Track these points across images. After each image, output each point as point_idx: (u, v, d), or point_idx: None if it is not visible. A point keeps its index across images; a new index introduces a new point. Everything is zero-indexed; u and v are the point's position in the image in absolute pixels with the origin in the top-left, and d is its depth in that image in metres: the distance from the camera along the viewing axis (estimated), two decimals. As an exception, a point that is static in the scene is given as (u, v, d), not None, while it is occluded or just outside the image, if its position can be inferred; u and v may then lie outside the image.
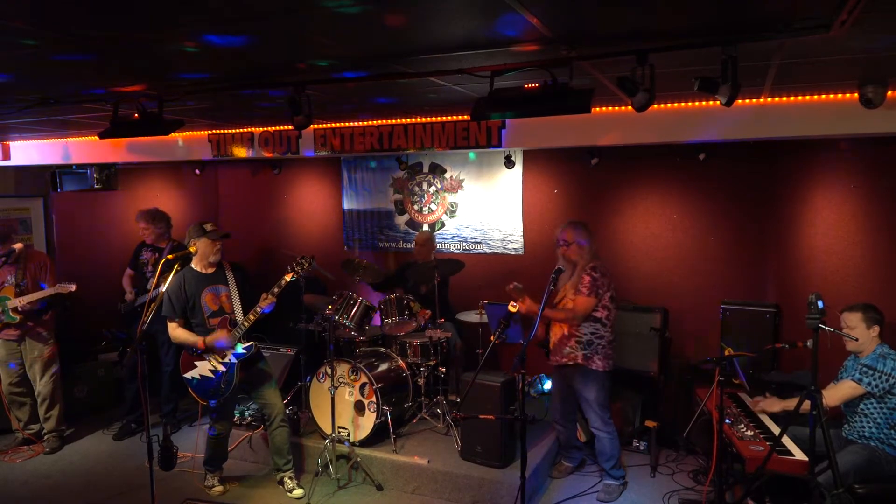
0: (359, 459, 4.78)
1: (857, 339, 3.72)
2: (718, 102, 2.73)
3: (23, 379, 5.47)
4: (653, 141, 4.45)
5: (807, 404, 3.35)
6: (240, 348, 4.38)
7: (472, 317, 5.66)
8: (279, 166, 7.43)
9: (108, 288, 6.24)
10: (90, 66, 3.10)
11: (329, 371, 4.85)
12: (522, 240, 6.55)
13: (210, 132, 5.72)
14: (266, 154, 5.60)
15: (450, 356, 5.73)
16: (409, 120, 5.01)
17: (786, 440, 3.75)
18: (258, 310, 4.32)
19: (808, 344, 3.37)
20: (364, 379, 4.90)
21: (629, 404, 5.35)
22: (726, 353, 3.89)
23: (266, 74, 3.34)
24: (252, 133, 5.59)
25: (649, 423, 4.98)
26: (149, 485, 3.86)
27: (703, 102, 4.08)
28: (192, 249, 4.39)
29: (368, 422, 4.89)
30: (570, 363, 4.43)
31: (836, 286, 4.42)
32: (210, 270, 4.47)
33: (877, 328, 3.76)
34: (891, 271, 4.15)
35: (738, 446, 3.79)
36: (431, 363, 5.32)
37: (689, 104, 4.15)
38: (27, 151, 6.41)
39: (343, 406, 4.98)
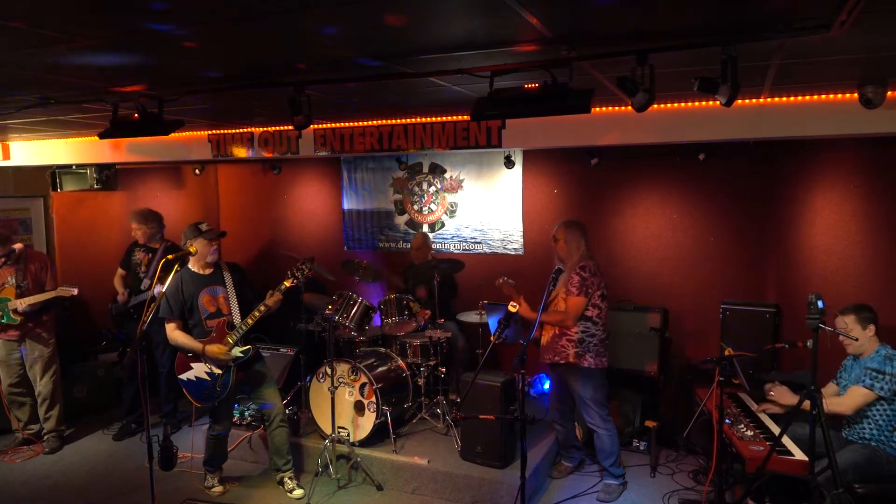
0: (359, 459, 4.78)
1: (856, 339, 3.71)
2: (718, 102, 2.72)
3: (23, 379, 5.47)
4: (653, 141, 4.44)
5: (807, 404, 3.35)
6: (237, 352, 4.36)
7: (472, 317, 5.67)
8: (279, 166, 7.43)
9: (108, 288, 6.22)
10: (91, 65, 3.10)
11: (329, 371, 4.85)
12: (522, 240, 6.55)
13: (210, 132, 5.72)
14: (266, 154, 5.60)
15: (451, 356, 5.73)
16: (409, 120, 5.01)
17: (786, 440, 3.75)
18: (262, 308, 4.31)
19: (808, 344, 3.36)
20: (364, 379, 4.90)
21: (629, 404, 5.35)
22: (726, 353, 3.88)
23: (266, 74, 3.34)
24: (252, 133, 5.59)
25: (649, 423, 4.98)
26: (149, 485, 3.86)
27: (703, 102, 4.07)
28: (192, 249, 4.38)
29: (368, 422, 4.89)
30: (562, 361, 4.44)
31: (836, 286, 4.42)
32: (207, 271, 4.46)
33: (872, 327, 3.75)
34: (891, 271, 4.15)
35: (738, 446, 3.79)
36: (431, 363, 5.32)
37: (689, 104, 4.15)
38: (27, 151, 6.41)
39: (343, 406, 4.98)
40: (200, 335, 4.36)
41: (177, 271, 4.25)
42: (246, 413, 5.38)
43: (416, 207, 7.04)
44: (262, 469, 5.07)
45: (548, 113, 3.45)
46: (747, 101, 3.96)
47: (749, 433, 3.93)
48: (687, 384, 5.34)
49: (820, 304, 3.24)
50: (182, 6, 2.19)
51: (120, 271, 5.87)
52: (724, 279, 5.70)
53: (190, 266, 4.45)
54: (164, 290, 4.21)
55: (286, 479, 4.67)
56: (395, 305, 5.41)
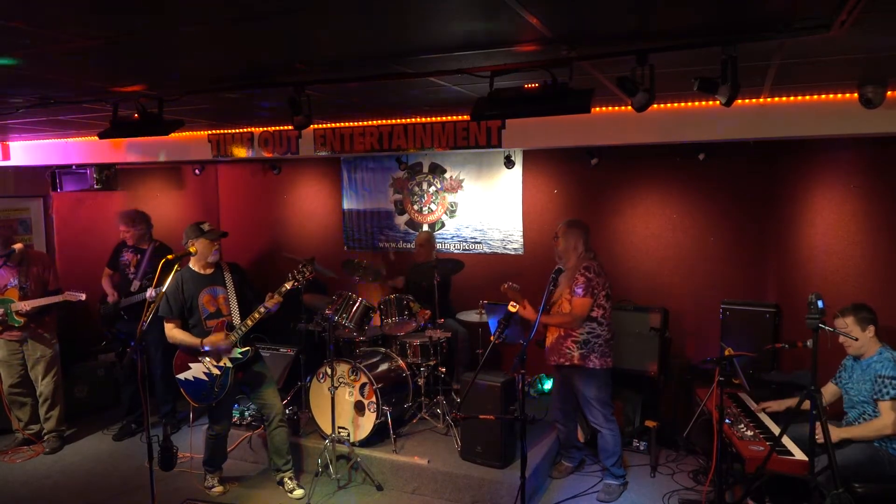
0: (359, 459, 4.78)
1: (856, 339, 3.70)
2: (718, 102, 2.72)
3: (24, 379, 5.47)
4: (653, 141, 4.44)
5: (806, 404, 3.34)
6: (237, 352, 4.36)
7: (472, 317, 5.67)
8: (279, 166, 7.42)
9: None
10: (90, 66, 3.10)
11: (329, 371, 4.85)
12: (522, 240, 6.55)
13: (210, 132, 5.72)
14: (266, 154, 5.60)
15: (452, 352, 5.74)
16: (409, 120, 5.01)
17: (786, 440, 3.75)
18: (262, 310, 4.31)
19: (808, 344, 3.36)
20: (364, 379, 4.90)
21: (629, 404, 5.35)
22: (726, 353, 3.88)
23: (266, 74, 3.34)
24: (252, 133, 5.59)
25: (649, 423, 4.98)
26: (149, 485, 3.86)
27: (703, 102, 4.07)
28: (192, 250, 4.38)
29: (368, 422, 4.89)
30: (567, 363, 4.44)
31: (836, 286, 4.42)
32: (208, 271, 4.45)
33: (872, 328, 3.72)
34: (891, 271, 4.15)
35: (738, 446, 3.80)
36: (431, 363, 5.32)
37: (689, 104, 4.15)
38: (27, 151, 6.41)
39: (343, 406, 4.98)
40: (200, 335, 4.35)
41: (177, 271, 4.25)
42: (246, 413, 5.39)
43: (416, 207, 7.04)
44: (262, 469, 5.07)
45: (548, 113, 3.45)
46: (747, 101, 3.96)
47: (749, 433, 3.93)
48: (687, 384, 5.35)
49: (820, 304, 3.23)
50: (182, 6, 2.19)
51: (107, 271, 5.83)
52: (724, 279, 5.70)
53: (191, 265, 4.44)
54: (163, 290, 4.20)
55: (286, 479, 4.67)
56: (395, 305, 5.41)
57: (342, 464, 4.83)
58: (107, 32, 2.52)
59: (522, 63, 2.96)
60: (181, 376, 4.42)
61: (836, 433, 3.68)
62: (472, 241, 6.79)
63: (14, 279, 5.25)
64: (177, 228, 7.04)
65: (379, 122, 5.09)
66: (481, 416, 4.43)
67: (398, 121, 5.04)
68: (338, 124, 5.24)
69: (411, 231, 7.06)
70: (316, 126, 5.29)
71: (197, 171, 7.46)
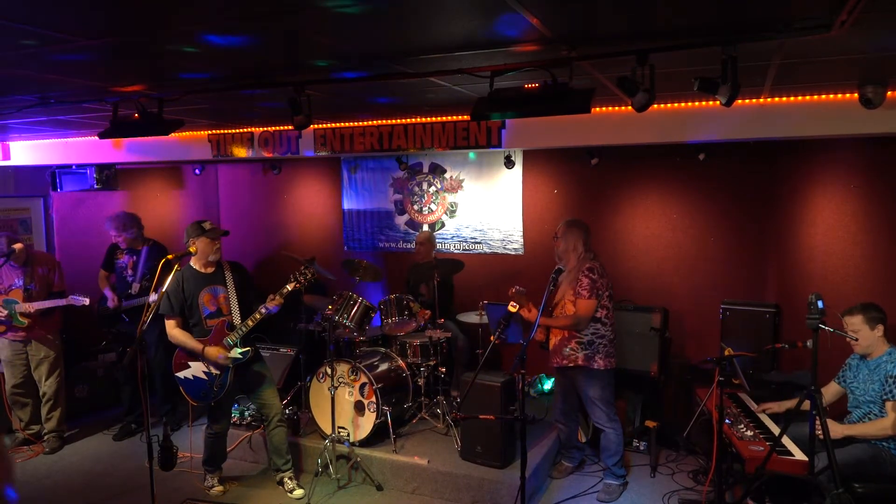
0: (359, 459, 4.78)
1: (856, 339, 3.70)
2: (718, 102, 2.73)
3: (27, 379, 5.48)
4: (653, 141, 4.45)
5: (806, 404, 3.34)
6: (237, 353, 4.36)
7: (472, 317, 5.66)
8: (279, 166, 7.43)
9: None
10: (90, 66, 3.10)
11: (329, 371, 4.85)
12: (522, 240, 6.55)
13: (210, 132, 5.72)
14: (266, 154, 5.60)
15: (451, 355, 5.73)
16: (409, 120, 5.01)
17: (786, 440, 3.75)
18: (262, 311, 4.31)
19: (808, 344, 3.35)
20: (364, 379, 4.90)
21: (629, 404, 5.36)
22: (726, 353, 3.88)
23: (266, 74, 3.34)
24: (252, 133, 5.59)
25: (649, 423, 4.98)
26: (149, 485, 3.86)
27: (703, 102, 4.08)
28: (192, 249, 4.37)
29: (368, 422, 4.89)
30: (572, 365, 4.43)
31: (836, 286, 4.42)
32: (209, 270, 4.45)
33: (881, 327, 3.69)
34: (891, 271, 4.15)
35: (737, 446, 3.80)
36: (431, 363, 5.32)
37: (689, 104, 4.15)
38: (27, 151, 6.41)
39: (343, 406, 4.98)
40: (200, 334, 4.36)
41: (176, 271, 4.24)
42: (246, 413, 5.39)
43: (416, 207, 7.04)
44: (262, 469, 5.07)
45: (548, 113, 3.46)
46: (747, 101, 3.97)
47: (749, 433, 3.93)
48: (687, 384, 5.35)
49: (820, 304, 3.23)
50: (182, 6, 2.19)
51: (103, 273, 5.81)
52: (724, 279, 5.70)
53: (192, 264, 4.44)
54: (163, 290, 4.20)
55: (286, 479, 4.67)
56: (395, 305, 5.41)
57: (342, 464, 4.83)
58: (108, 32, 2.52)
59: (522, 63, 2.96)
60: (180, 375, 4.42)
61: (839, 429, 3.67)
62: (472, 241, 6.79)
63: (19, 280, 5.26)
64: (177, 228, 7.07)
65: (379, 122, 5.09)
66: (481, 416, 4.43)
67: (398, 121, 5.04)
68: (338, 124, 5.25)
69: (411, 231, 7.06)
70: (316, 126, 5.29)
71: (197, 171, 7.45)
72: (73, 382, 6.15)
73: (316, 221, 7.65)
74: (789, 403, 4.19)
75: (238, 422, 5.33)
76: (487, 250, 6.72)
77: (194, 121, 5.13)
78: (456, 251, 6.82)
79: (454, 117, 4.86)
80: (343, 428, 4.92)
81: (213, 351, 4.30)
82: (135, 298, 5.59)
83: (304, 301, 5.78)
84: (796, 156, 5.11)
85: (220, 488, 4.71)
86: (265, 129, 5.53)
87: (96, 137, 4.22)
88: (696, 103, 4.12)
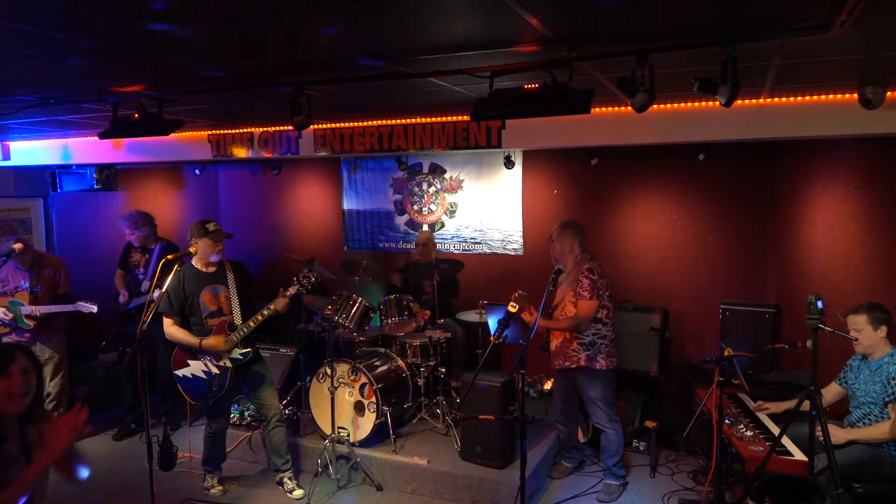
0: (358, 460, 4.78)
1: (857, 339, 3.69)
2: (718, 102, 2.73)
3: None
4: (653, 141, 4.45)
5: (806, 404, 3.34)
6: (238, 353, 4.36)
7: (472, 317, 5.66)
8: (279, 166, 7.43)
9: (108, 288, 6.23)
10: (90, 66, 3.10)
11: (329, 371, 4.85)
12: (522, 240, 6.55)
13: (210, 132, 5.72)
14: (266, 154, 5.60)
15: (451, 353, 5.73)
16: (409, 120, 5.01)
17: (785, 440, 3.75)
18: (264, 313, 4.31)
19: (808, 344, 3.34)
20: (364, 379, 4.90)
21: (629, 404, 5.35)
22: (726, 353, 3.88)
23: (266, 74, 3.34)
24: (252, 133, 5.59)
25: (649, 424, 4.98)
26: (149, 485, 3.86)
27: (703, 102, 4.08)
28: (192, 250, 4.38)
29: (368, 422, 4.89)
30: (574, 366, 4.42)
31: (836, 286, 4.42)
32: (210, 269, 4.45)
33: (884, 328, 3.67)
34: (891, 271, 4.15)
35: (737, 446, 3.80)
36: (431, 363, 5.32)
37: (689, 104, 4.15)
38: (27, 151, 6.41)
39: (343, 406, 4.98)
40: (200, 333, 4.35)
41: (177, 271, 4.24)
42: (246, 413, 5.39)
43: (415, 208, 7.04)
44: (262, 469, 5.07)
45: (548, 113, 3.45)
46: (747, 101, 3.97)
47: (749, 433, 3.93)
48: (687, 384, 5.35)
49: (820, 304, 3.23)
50: (182, 6, 2.19)
51: (119, 272, 5.87)
52: (724, 279, 5.70)
53: (193, 263, 4.45)
54: (163, 290, 4.21)
55: (286, 479, 4.67)
56: (395, 305, 5.41)
57: (342, 464, 4.83)
58: (107, 32, 2.52)
59: (522, 63, 2.96)
60: (179, 373, 4.42)
61: (842, 434, 3.66)
62: (472, 241, 6.79)
63: (25, 282, 5.26)
64: (177, 228, 7.07)
65: (379, 122, 5.09)
66: (481, 417, 4.43)
67: (398, 121, 5.04)
68: (338, 124, 5.25)
69: (411, 231, 7.06)
70: (316, 126, 5.29)
71: (197, 172, 7.45)
72: (74, 382, 6.13)
73: (316, 222, 7.65)
74: (787, 404, 4.19)
75: (238, 422, 5.33)
76: (487, 250, 6.72)
77: (194, 121, 5.13)
78: (456, 251, 6.82)
79: (454, 117, 4.86)
80: (343, 428, 4.92)
81: (212, 340, 4.29)
82: (143, 296, 5.60)
83: (304, 301, 5.78)
84: (796, 156, 5.11)
85: (220, 488, 4.71)
86: (265, 129, 5.52)
87: (96, 137, 4.22)
88: (696, 103, 4.12)
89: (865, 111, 3.50)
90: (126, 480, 4.95)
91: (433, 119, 4.93)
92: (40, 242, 6.65)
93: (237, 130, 5.62)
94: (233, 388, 4.47)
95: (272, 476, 4.79)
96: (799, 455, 3.64)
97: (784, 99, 3.92)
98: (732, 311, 5.25)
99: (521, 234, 6.54)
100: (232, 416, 5.37)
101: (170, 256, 4.13)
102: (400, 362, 5.31)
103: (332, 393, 4.78)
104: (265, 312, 4.32)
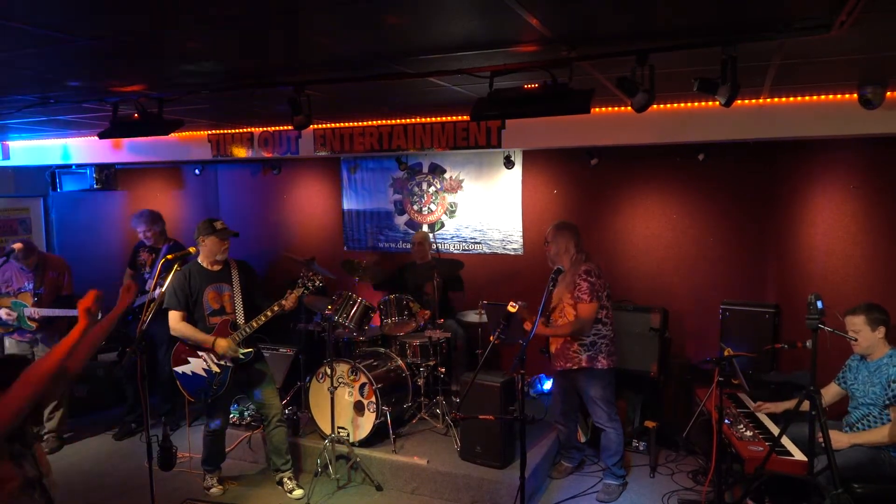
0: (358, 460, 4.78)
1: (856, 340, 3.69)
2: (718, 102, 2.73)
3: None
4: (653, 141, 4.45)
5: (806, 404, 3.34)
6: (240, 352, 4.36)
7: (472, 317, 5.66)
8: (279, 166, 7.43)
9: (108, 288, 6.22)
10: (90, 66, 3.10)
11: (328, 371, 4.85)
12: (522, 240, 6.55)
13: (210, 132, 5.72)
14: (266, 154, 5.60)
15: (451, 354, 5.73)
16: (408, 120, 5.01)
17: (785, 440, 3.75)
18: (268, 314, 4.32)
19: (808, 344, 3.34)
20: (363, 379, 4.90)
21: (629, 404, 5.35)
22: (726, 353, 3.88)
23: (266, 74, 3.34)
24: (252, 133, 5.59)
25: (649, 424, 4.98)
26: (148, 485, 3.86)
27: (703, 102, 4.08)
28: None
29: (368, 422, 4.89)
30: (575, 367, 4.41)
31: (836, 286, 4.42)
32: (216, 268, 4.46)
33: (882, 329, 3.67)
34: (891, 271, 4.15)
35: (737, 446, 3.80)
36: (431, 363, 5.32)
37: (689, 104, 4.16)
38: (27, 151, 6.41)
39: (342, 406, 4.98)
40: (203, 331, 4.36)
41: (177, 271, 4.25)
42: (245, 413, 5.39)
43: (415, 207, 7.04)
44: (262, 469, 5.07)
45: (548, 113, 3.46)
46: (747, 101, 3.97)
47: (748, 433, 3.93)
48: (687, 384, 5.34)
49: (819, 304, 3.23)
50: (182, 6, 2.19)
51: (129, 272, 5.88)
52: (724, 279, 5.70)
53: (199, 261, 4.46)
54: (163, 289, 4.21)
55: (286, 479, 4.67)
56: (395, 305, 5.41)
57: (342, 464, 4.83)
58: (107, 32, 2.52)
59: (522, 63, 2.96)
60: (178, 369, 4.42)
61: (845, 439, 3.65)
62: (472, 241, 6.79)
63: (29, 283, 5.27)
64: (177, 228, 7.05)
65: (379, 122, 5.09)
66: (481, 417, 4.43)
67: (398, 121, 5.04)
68: (338, 124, 5.25)
69: (411, 231, 7.06)
70: (316, 126, 5.29)
71: (197, 171, 7.46)
72: (73, 382, 6.14)
73: (316, 221, 7.65)
74: (787, 404, 4.18)
75: (238, 422, 5.33)
76: (487, 250, 6.72)
77: (194, 121, 5.13)
78: (456, 251, 6.82)
79: (454, 117, 4.86)
80: (343, 428, 4.92)
81: (223, 343, 4.29)
82: (147, 295, 5.61)
83: (304, 301, 5.77)
84: (796, 156, 5.11)
85: (220, 488, 4.71)
86: (265, 129, 5.53)
87: (96, 137, 4.22)
88: (696, 103, 4.12)
89: (865, 111, 3.51)
90: (126, 480, 4.95)
91: (433, 119, 4.93)
92: (40, 242, 6.66)
93: (237, 130, 5.62)
94: (233, 387, 4.47)
95: (272, 476, 4.79)
96: (799, 455, 3.64)
97: (784, 99, 3.92)
98: (732, 311, 5.25)
99: (521, 234, 6.54)
100: (232, 415, 5.37)
101: (170, 256, 4.15)
102: (400, 362, 5.31)
103: (332, 393, 4.78)
104: (268, 313, 4.32)
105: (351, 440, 4.91)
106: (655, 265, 5.97)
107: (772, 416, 4.24)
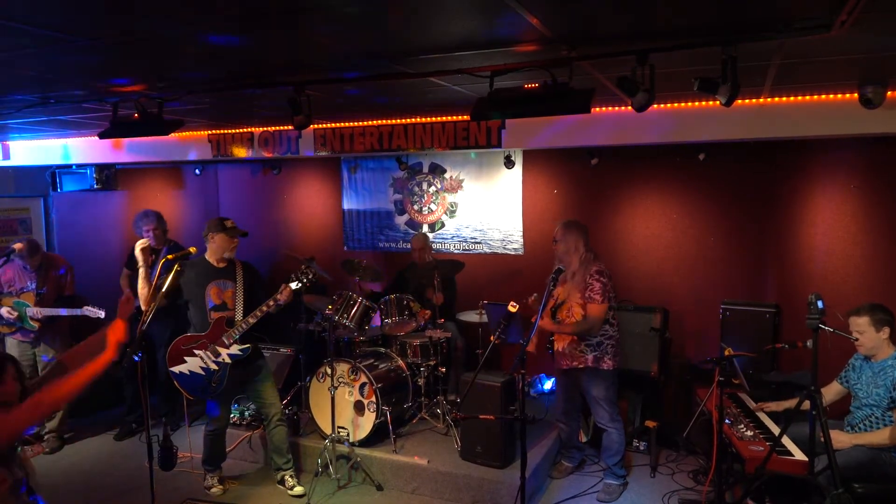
0: (359, 459, 4.78)
1: (857, 340, 3.68)
2: (718, 102, 2.73)
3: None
4: (653, 141, 4.45)
5: (806, 404, 3.34)
6: (237, 349, 4.37)
7: (472, 317, 5.66)
8: (279, 166, 7.43)
9: (108, 288, 6.23)
10: (90, 66, 3.10)
11: (329, 371, 4.85)
12: (522, 240, 6.55)
13: (210, 132, 5.72)
14: (266, 154, 5.60)
15: (450, 356, 5.73)
16: (409, 120, 5.01)
17: (785, 440, 3.75)
18: (263, 309, 4.32)
19: (808, 344, 3.34)
20: (364, 379, 4.90)
21: (629, 404, 5.35)
22: (726, 353, 3.88)
23: (266, 74, 3.34)
24: (252, 133, 5.59)
25: (649, 423, 4.98)
26: (149, 485, 3.85)
27: (703, 102, 4.08)
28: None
29: (368, 422, 4.89)
30: (581, 366, 4.41)
31: (836, 286, 4.42)
32: (221, 265, 4.49)
33: (887, 329, 3.65)
34: (891, 271, 4.15)
35: (737, 446, 3.79)
36: (431, 363, 5.32)
37: (689, 104, 4.15)
38: (27, 151, 6.41)
39: (343, 406, 4.98)
40: (202, 326, 4.39)
41: (177, 270, 4.26)
42: (246, 413, 5.39)
43: (416, 207, 7.04)
44: (262, 469, 5.07)
45: (548, 113, 3.46)
46: (747, 101, 3.97)
47: (749, 433, 3.93)
48: (687, 384, 5.35)
49: (820, 304, 3.23)
50: (182, 6, 2.19)
51: (125, 272, 5.85)
52: (724, 279, 5.70)
53: (206, 257, 4.49)
54: (163, 290, 4.21)
55: (287, 476, 4.67)
56: (396, 305, 5.41)
57: (342, 464, 4.83)
58: (107, 32, 2.52)
59: (522, 63, 2.96)
60: (175, 369, 4.42)
61: (846, 439, 3.65)
62: (472, 241, 6.79)
63: (32, 283, 5.28)
64: (177, 228, 7.05)
65: (379, 122, 5.09)
66: (481, 416, 4.43)
67: (398, 121, 5.04)
68: (338, 124, 5.25)
69: (411, 231, 7.05)
70: (316, 126, 5.29)
71: (197, 171, 7.46)
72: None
73: (316, 221, 7.65)
74: (788, 403, 4.18)
75: (238, 422, 5.33)
76: (487, 250, 6.72)
77: (194, 121, 5.13)
78: (456, 251, 6.82)
79: (454, 117, 4.86)
80: (343, 428, 4.92)
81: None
82: None
83: (304, 301, 5.78)
84: (796, 156, 5.11)
85: (220, 488, 4.71)
86: (265, 129, 5.53)
87: (96, 137, 4.22)
88: (696, 103, 4.12)
89: (865, 111, 3.51)
90: (126, 480, 4.95)
91: (433, 119, 4.93)
92: (40, 242, 6.65)
93: (237, 130, 5.62)
94: (232, 384, 4.48)
95: (272, 475, 4.79)
96: (799, 455, 3.64)
97: (784, 99, 3.92)
98: (732, 310, 5.25)
99: (522, 233, 6.54)
100: (232, 415, 5.37)
101: (170, 256, 4.14)
102: (400, 362, 5.31)
103: (332, 393, 4.78)
104: (264, 308, 4.34)
105: (351, 440, 4.91)
106: (655, 265, 5.97)
107: (772, 415, 4.23)
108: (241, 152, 5.66)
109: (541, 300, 4.01)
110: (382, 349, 5.50)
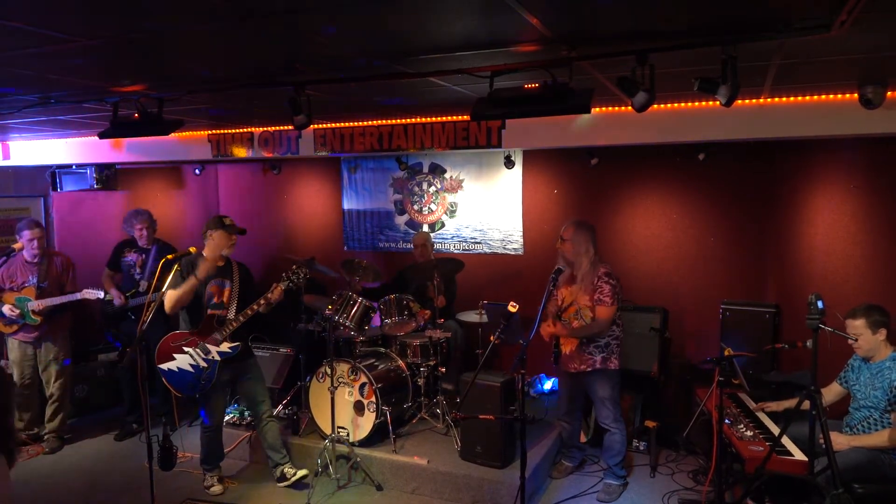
0: (358, 459, 4.78)
1: (855, 340, 3.69)
2: (718, 102, 2.73)
3: (33, 381, 5.49)
4: (653, 141, 4.44)
5: (806, 404, 3.34)
6: (226, 347, 4.39)
7: (472, 317, 5.66)
8: (279, 166, 7.43)
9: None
10: (90, 66, 3.10)
11: (329, 371, 4.85)
12: (522, 240, 6.55)
13: (210, 132, 5.72)
14: (266, 154, 5.60)
15: (450, 354, 5.73)
16: (409, 120, 5.00)
17: (785, 440, 3.75)
18: (254, 308, 4.33)
19: (808, 344, 3.34)
20: (364, 379, 4.90)
21: (629, 404, 5.35)
22: (726, 353, 3.88)
23: (266, 74, 3.34)
24: (252, 133, 5.59)
25: (649, 423, 4.98)
26: (149, 485, 3.86)
27: (703, 102, 4.08)
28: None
29: (368, 422, 4.89)
30: (590, 369, 4.39)
31: (836, 286, 4.42)
32: (220, 263, 4.51)
33: (883, 331, 3.66)
34: (891, 271, 4.15)
35: (737, 446, 3.80)
36: (431, 363, 5.32)
37: (689, 104, 4.15)
38: (27, 151, 6.41)
39: (342, 406, 4.98)
40: (197, 321, 4.42)
41: (177, 270, 4.27)
42: (246, 413, 5.38)
43: (416, 207, 7.04)
44: (262, 468, 5.06)
45: (548, 113, 3.45)
46: (747, 101, 3.96)
47: (749, 433, 3.93)
48: (687, 384, 5.34)
49: (820, 304, 3.23)
50: (182, 6, 2.19)
51: (108, 272, 5.82)
52: (724, 279, 5.70)
53: (204, 254, 4.49)
54: (164, 290, 4.23)
55: (286, 469, 4.68)
56: (396, 305, 5.41)
57: (342, 463, 4.83)
58: (107, 32, 2.52)
59: (522, 63, 2.96)
60: (164, 366, 4.42)
61: (845, 441, 3.64)
62: (472, 241, 6.79)
63: (33, 277, 5.29)
64: (177, 228, 7.06)
65: (379, 122, 5.09)
66: (481, 416, 4.43)
67: (398, 121, 5.04)
68: (338, 124, 5.25)
69: (411, 231, 7.06)
70: (316, 126, 5.29)
71: (197, 171, 7.46)
72: (73, 382, 6.14)
73: (316, 221, 7.65)
74: (788, 403, 4.18)
75: (238, 422, 5.33)
76: (487, 250, 6.72)
77: (194, 121, 5.13)
78: (456, 251, 6.82)
79: (454, 117, 4.86)
80: (343, 428, 4.92)
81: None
82: (142, 296, 5.60)
83: (304, 301, 5.78)
84: (796, 156, 5.11)
85: (220, 487, 4.71)
86: (265, 129, 5.52)
87: (96, 137, 4.22)
88: (696, 103, 4.12)
89: (865, 111, 3.50)
90: (126, 480, 4.95)
91: (433, 119, 4.93)
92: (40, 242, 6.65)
93: (237, 130, 5.62)
94: (221, 382, 4.49)
95: (272, 474, 4.79)
96: (799, 455, 3.64)
97: (784, 99, 3.92)
98: (732, 310, 5.25)
99: (522, 233, 6.54)
100: (232, 415, 5.38)
101: (170, 256, 4.16)
102: (400, 362, 5.31)
103: (332, 393, 4.78)
104: (255, 307, 4.37)
105: (351, 440, 4.91)
106: (655, 265, 5.97)
107: (772, 415, 4.24)
108: (241, 152, 5.66)
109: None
110: (382, 349, 5.50)
